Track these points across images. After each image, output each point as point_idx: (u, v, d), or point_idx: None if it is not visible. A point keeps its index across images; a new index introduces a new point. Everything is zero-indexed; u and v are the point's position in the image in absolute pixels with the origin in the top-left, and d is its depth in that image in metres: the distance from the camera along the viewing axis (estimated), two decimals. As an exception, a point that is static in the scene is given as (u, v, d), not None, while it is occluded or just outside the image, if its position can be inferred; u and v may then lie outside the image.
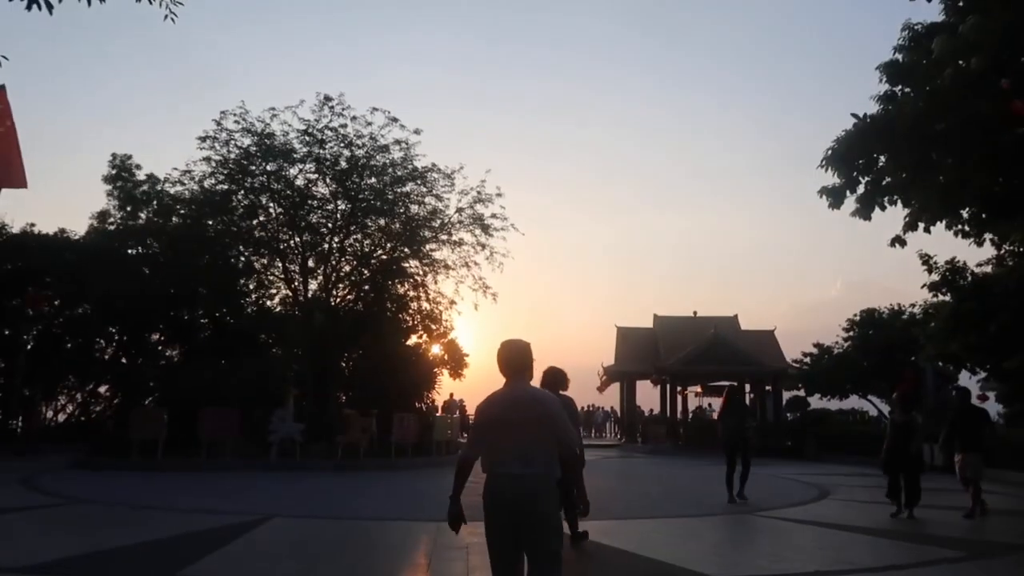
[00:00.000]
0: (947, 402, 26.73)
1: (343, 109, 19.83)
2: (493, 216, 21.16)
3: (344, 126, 19.96)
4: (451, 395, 30.37)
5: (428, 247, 21.58)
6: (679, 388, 36.48)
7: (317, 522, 10.03)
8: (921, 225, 12.27)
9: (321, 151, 20.14)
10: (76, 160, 76.87)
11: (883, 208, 12.37)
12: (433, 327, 29.69)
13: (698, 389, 37.65)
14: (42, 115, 79.54)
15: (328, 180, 20.53)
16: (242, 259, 22.23)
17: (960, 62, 9.86)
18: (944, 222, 12.67)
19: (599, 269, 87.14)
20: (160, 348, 27.04)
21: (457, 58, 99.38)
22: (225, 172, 20.24)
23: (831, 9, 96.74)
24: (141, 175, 25.41)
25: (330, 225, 21.05)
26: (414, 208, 21.29)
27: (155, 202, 24.93)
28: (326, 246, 21.15)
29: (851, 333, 30.87)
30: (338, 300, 21.26)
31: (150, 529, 9.10)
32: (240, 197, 20.55)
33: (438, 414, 24.53)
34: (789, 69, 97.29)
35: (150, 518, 10.16)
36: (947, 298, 17.16)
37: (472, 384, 35.18)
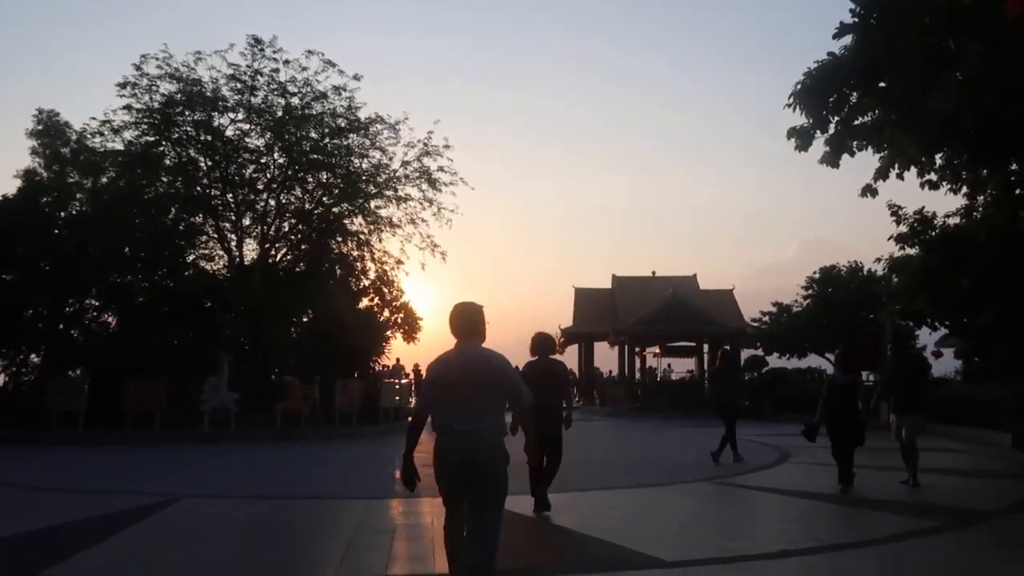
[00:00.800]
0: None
1: (275, 52, 18.30)
2: (441, 169, 19.94)
3: (276, 71, 18.45)
4: (397, 360, 29.27)
5: (373, 203, 20.30)
6: (638, 349, 36.01)
7: (229, 503, 8.98)
8: (894, 172, 11.49)
9: (253, 98, 18.59)
10: None
11: (852, 154, 11.52)
12: (386, 290, 28.54)
13: (656, 350, 37.20)
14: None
15: (262, 131, 19.03)
16: (181, 220, 20.63)
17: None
18: (917, 168, 11.89)
19: (557, 230, 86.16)
20: (95, 314, 25.47)
21: (418, 23, 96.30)
22: (148, 122, 18.57)
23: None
24: (71, 133, 23.42)
25: (266, 180, 19.59)
26: (357, 162, 19.93)
27: (82, 157, 23.07)
28: (262, 203, 19.73)
29: (810, 291, 30.46)
30: (276, 261, 19.89)
31: (40, 516, 7.95)
32: (166, 150, 18.89)
33: (389, 380, 23.48)
34: (743, 28, 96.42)
35: (44, 501, 9.04)
36: (914, 251, 16.54)
37: (426, 348, 34.13)
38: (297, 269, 20.11)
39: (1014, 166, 11.69)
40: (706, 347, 34.53)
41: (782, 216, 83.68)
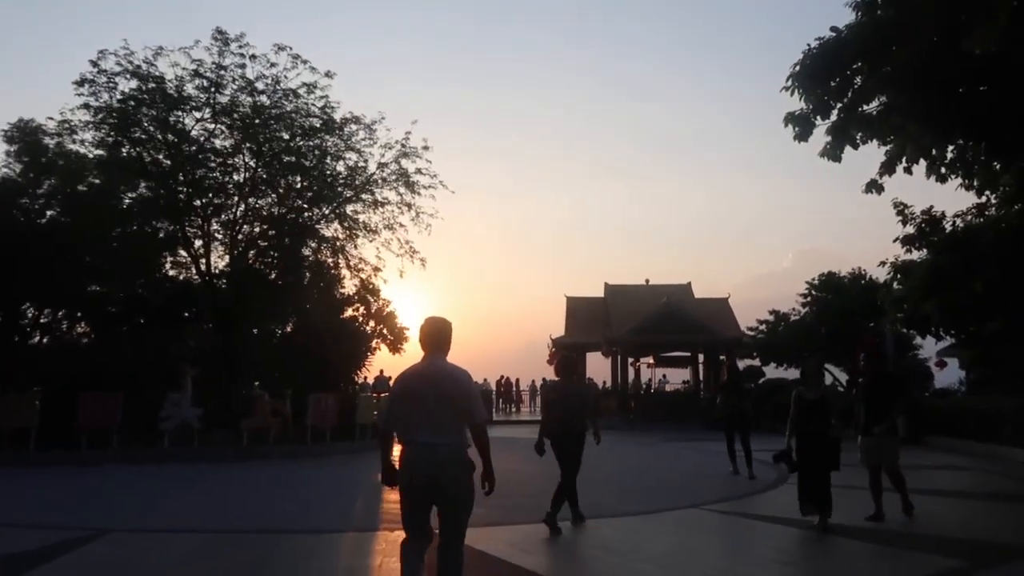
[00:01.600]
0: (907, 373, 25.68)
1: (240, 47, 17.27)
2: (419, 171, 18.93)
3: (243, 66, 17.42)
4: (381, 372, 28.23)
5: (349, 208, 19.26)
6: (631, 360, 34.97)
7: (158, 538, 7.92)
8: (901, 167, 10.52)
9: (219, 96, 17.55)
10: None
11: (856, 146, 10.56)
12: (371, 299, 27.51)
13: (651, 360, 36.17)
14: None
15: (230, 131, 17.98)
16: (160, 228, 19.54)
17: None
18: (927, 162, 10.92)
19: (550, 240, 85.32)
20: (64, 325, 24.34)
21: (407, 28, 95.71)
22: (110, 122, 17.51)
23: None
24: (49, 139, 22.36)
25: (235, 182, 18.54)
26: (332, 164, 18.91)
27: (60, 162, 21.99)
28: (231, 208, 18.67)
29: (808, 299, 29.41)
30: (246, 268, 18.82)
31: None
32: (128, 152, 17.81)
33: (367, 394, 22.38)
34: (739, 34, 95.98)
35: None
36: (923, 253, 15.51)
37: (413, 359, 33.05)
38: (270, 276, 19.02)
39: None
40: (701, 357, 33.58)
41: (778, 226, 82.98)
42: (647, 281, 36.61)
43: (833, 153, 10.45)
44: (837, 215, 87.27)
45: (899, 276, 16.44)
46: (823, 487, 8.02)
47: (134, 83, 17.13)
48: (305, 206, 19.22)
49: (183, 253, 18.98)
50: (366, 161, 19.01)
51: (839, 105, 9.71)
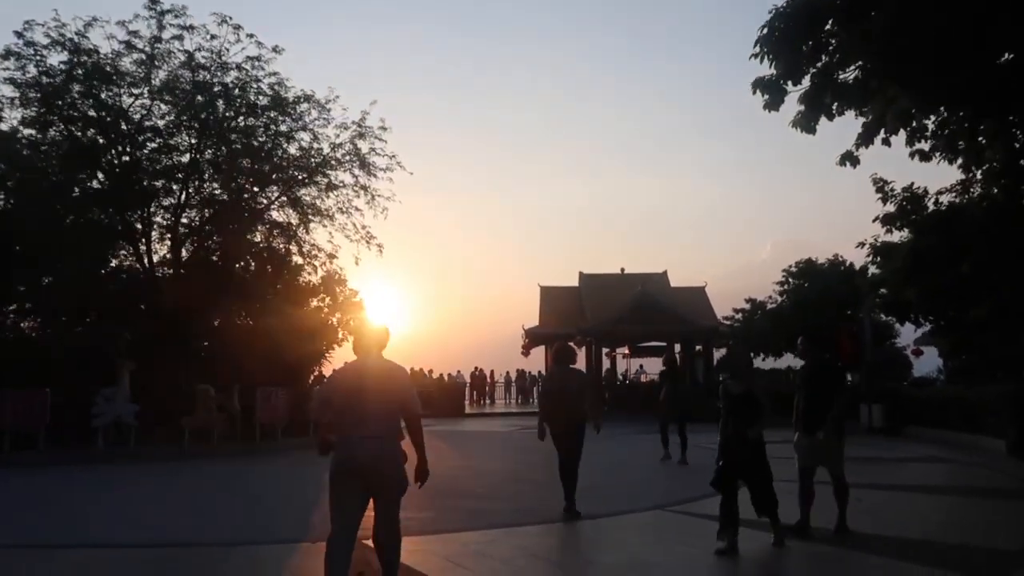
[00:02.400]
0: (882, 362, 25.04)
1: (176, 18, 16.07)
2: (372, 151, 17.90)
3: (180, 38, 16.22)
4: (345, 364, 27.10)
5: (302, 191, 18.18)
6: (607, 350, 34.21)
7: (41, 554, 6.92)
8: (879, 140, 9.65)
9: (158, 70, 16.35)
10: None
11: (831, 116, 9.68)
12: (337, 289, 26.49)
13: (626, 351, 35.44)
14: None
15: (170, 110, 16.80)
16: (98, 214, 18.28)
17: None
18: (908, 131, 10.06)
19: (524, 229, 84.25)
20: (13, 320, 23.04)
21: (384, 17, 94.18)
22: (37, 99, 16.25)
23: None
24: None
25: (178, 163, 17.35)
26: (283, 144, 17.80)
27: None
28: (174, 192, 17.50)
29: (786, 287, 28.73)
30: (191, 256, 17.70)
31: None
32: (57, 131, 16.56)
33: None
34: (714, 24, 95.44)
35: None
36: (904, 234, 14.64)
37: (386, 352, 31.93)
38: (216, 264, 17.84)
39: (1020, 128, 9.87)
40: (677, 347, 32.92)
41: (755, 217, 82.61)
42: (622, 270, 35.82)
43: (806, 124, 9.55)
44: (817, 206, 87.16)
45: (878, 258, 15.62)
46: (762, 495, 6.67)
47: (65, 56, 15.90)
48: (256, 189, 18.09)
49: (123, 241, 17.73)
50: (320, 142, 17.95)
51: (812, 71, 8.80)
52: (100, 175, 17.29)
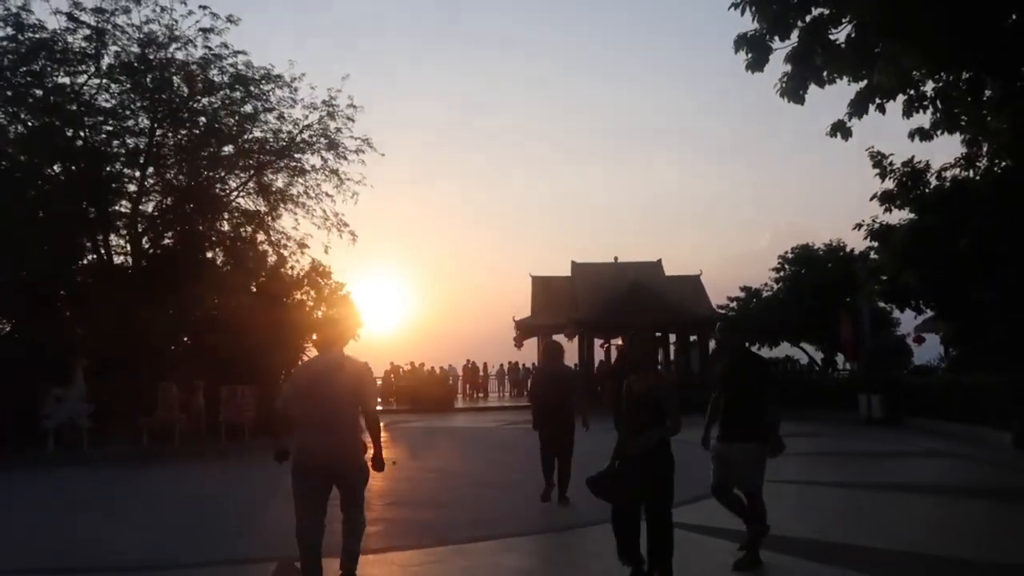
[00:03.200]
0: (882, 350, 24.19)
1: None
2: (338, 130, 17.00)
3: (127, 10, 15.23)
4: (308, 359, 26.29)
5: (270, 176, 17.27)
6: (600, 341, 33.37)
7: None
8: (874, 107, 8.74)
9: (105, 44, 15.35)
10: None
11: (821, 84, 8.76)
12: (322, 281, 25.67)
13: (619, 341, 34.54)
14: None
15: (123, 90, 15.83)
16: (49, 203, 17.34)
17: None
18: (905, 97, 9.12)
19: (516, 218, 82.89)
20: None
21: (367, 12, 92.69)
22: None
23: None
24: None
25: (134, 147, 16.42)
26: (248, 126, 16.87)
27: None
28: (131, 179, 16.56)
29: (782, 273, 27.82)
30: (149, 247, 16.79)
31: None
32: (4, 113, 15.60)
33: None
34: (709, 15, 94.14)
35: None
36: (904, 213, 13.68)
37: (371, 347, 31.04)
38: (179, 254, 16.89)
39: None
40: (673, 337, 32.06)
41: (754, 205, 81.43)
42: (616, 259, 34.95)
43: (794, 91, 8.57)
44: (818, 193, 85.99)
45: (876, 243, 14.69)
46: (659, 524, 5.15)
47: (10, 32, 14.94)
48: (222, 174, 17.18)
49: (80, 231, 16.80)
50: (287, 123, 17.03)
51: (801, 24, 7.86)
52: (56, 163, 16.34)
